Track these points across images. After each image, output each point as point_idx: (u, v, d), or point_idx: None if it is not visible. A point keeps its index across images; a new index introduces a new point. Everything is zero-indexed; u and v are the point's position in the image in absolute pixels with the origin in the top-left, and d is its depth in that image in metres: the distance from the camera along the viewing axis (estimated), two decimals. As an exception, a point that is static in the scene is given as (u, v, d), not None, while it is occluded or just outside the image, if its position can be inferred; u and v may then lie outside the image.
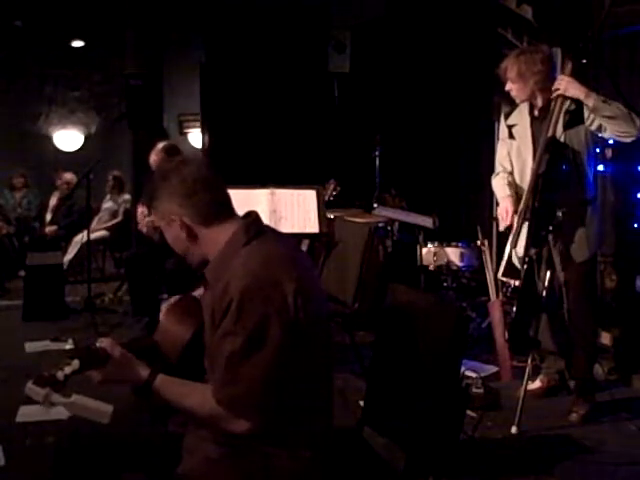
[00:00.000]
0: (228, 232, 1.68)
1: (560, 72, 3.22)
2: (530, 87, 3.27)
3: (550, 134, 3.15)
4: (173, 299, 2.07)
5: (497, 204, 3.54)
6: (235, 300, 1.55)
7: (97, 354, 1.66)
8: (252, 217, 1.73)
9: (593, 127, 3.13)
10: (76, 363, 1.61)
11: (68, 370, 1.60)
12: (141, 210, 4.54)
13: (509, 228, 3.32)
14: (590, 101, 3.03)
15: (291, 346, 1.56)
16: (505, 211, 3.34)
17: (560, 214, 3.19)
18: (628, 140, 3.09)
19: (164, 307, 2.06)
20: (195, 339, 1.82)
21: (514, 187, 3.39)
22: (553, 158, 3.10)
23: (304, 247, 3.94)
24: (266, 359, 1.54)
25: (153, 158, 4.67)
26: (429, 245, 4.98)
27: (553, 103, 3.17)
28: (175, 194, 1.68)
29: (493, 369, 3.91)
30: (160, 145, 4.73)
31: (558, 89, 3.12)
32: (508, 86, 3.35)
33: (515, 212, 3.29)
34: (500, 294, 3.86)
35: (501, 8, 5.47)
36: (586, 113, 3.12)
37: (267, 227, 1.75)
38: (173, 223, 1.69)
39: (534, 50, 3.35)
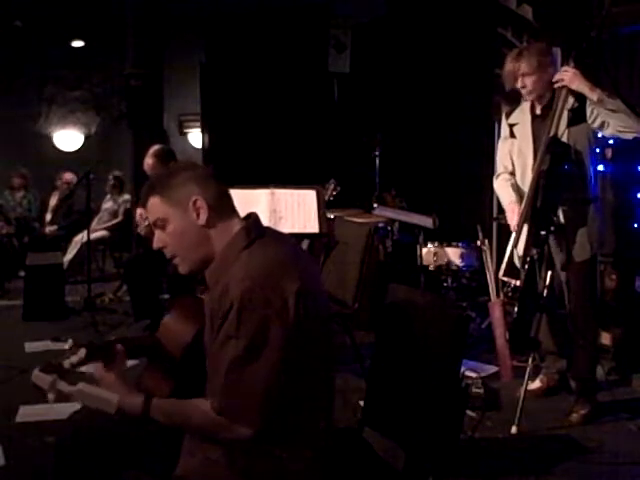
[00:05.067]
0: (233, 230, 1.67)
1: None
2: (548, 77, 3.20)
3: (552, 133, 3.13)
4: None
5: (498, 204, 3.54)
6: (235, 304, 1.53)
7: (105, 348, 1.68)
8: (252, 219, 1.72)
9: (596, 124, 3.11)
10: (82, 352, 1.64)
11: (74, 359, 1.63)
12: (140, 212, 4.49)
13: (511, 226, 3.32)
14: (595, 95, 3.02)
15: (293, 348, 1.55)
16: (511, 216, 3.34)
17: (561, 214, 3.19)
18: (630, 136, 3.08)
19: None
20: (199, 338, 1.82)
21: (517, 189, 3.38)
22: (555, 157, 3.09)
23: (304, 247, 3.94)
24: (269, 363, 1.54)
25: (147, 162, 4.67)
26: (429, 245, 4.98)
27: (556, 99, 3.16)
28: (192, 178, 1.67)
29: (493, 369, 3.90)
30: (152, 150, 4.71)
31: (562, 79, 3.10)
32: (522, 82, 3.23)
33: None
34: (501, 294, 3.86)
35: (501, 8, 5.49)
36: (588, 111, 3.11)
37: (267, 229, 1.74)
38: (188, 209, 1.64)
39: (536, 44, 3.37)
